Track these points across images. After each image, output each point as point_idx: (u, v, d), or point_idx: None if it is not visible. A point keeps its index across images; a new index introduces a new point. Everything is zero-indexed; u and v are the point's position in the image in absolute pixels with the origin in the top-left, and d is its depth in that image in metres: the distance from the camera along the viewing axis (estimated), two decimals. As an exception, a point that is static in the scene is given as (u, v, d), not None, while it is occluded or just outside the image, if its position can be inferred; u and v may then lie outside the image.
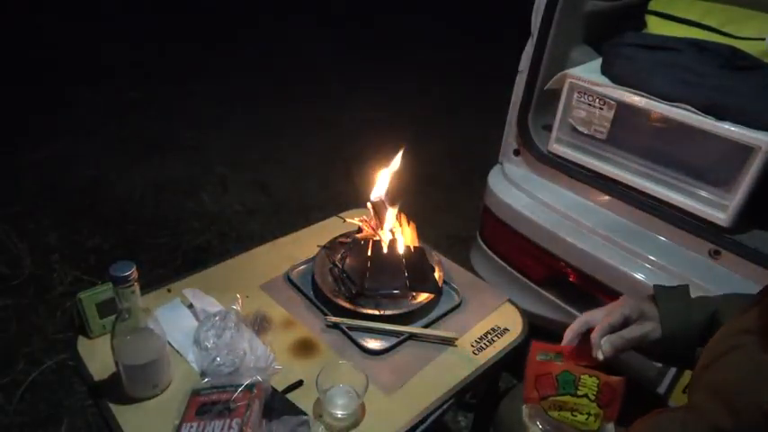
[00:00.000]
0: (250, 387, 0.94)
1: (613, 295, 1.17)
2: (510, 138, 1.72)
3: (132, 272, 0.87)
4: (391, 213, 1.26)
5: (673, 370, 1.33)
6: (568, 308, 1.56)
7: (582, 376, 0.80)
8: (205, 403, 0.92)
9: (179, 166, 3.14)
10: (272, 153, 3.34)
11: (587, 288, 1.50)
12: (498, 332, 1.18)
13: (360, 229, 1.32)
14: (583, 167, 1.55)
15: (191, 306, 1.18)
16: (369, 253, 1.23)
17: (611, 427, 0.79)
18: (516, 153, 1.71)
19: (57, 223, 2.57)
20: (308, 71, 4.57)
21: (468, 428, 1.76)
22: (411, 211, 1.33)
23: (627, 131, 1.45)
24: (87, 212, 2.68)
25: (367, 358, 1.10)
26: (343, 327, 1.14)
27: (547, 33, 1.51)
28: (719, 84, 1.27)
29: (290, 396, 1.00)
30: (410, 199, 1.34)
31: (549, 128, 1.61)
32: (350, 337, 1.13)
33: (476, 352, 1.12)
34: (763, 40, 1.38)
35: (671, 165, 1.39)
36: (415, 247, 1.29)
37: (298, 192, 2.99)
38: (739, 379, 0.64)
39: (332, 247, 1.34)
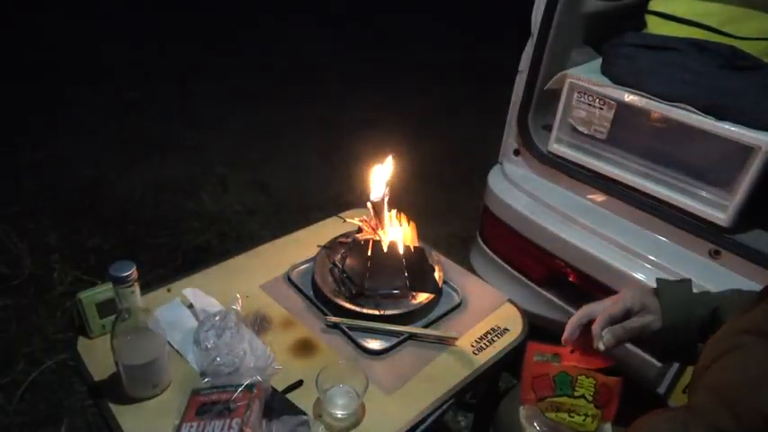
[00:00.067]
0: (250, 387, 0.94)
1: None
2: (510, 138, 1.72)
3: (132, 272, 0.87)
4: (391, 214, 1.26)
5: (673, 370, 1.33)
6: (568, 308, 1.56)
7: (579, 377, 0.80)
8: (205, 403, 0.92)
9: (179, 166, 3.14)
10: (272, 153, 3.34)
11: (587, 288, 1.50)
12: (498, 332, 1.18)
13: (360, 229, 1.32)
14: (583, 167, 1.55)
15: (191, 306, 1.18)
16: (369, 253, 1.23)
17: (608, 427, 0.79)
18: (516, 153, 1.71)
19: (57, 223, 2.57)
20: (308, 71, 4.57)
21: (468, 428, 1.76)
22: (411, 211, 1.33)
23: (627, 131, 1.45)
24: (87, 212, 2.68)
25: (367, 358, 1.10)
26: (344, 327, 1.14)
27: (547, 33, 1.51)
28: (719, 84, 1.27)
29: (290, 396, 1.00)
30: (410, 199, 1.35)
31: (549, 128, 1.61)
32: (350, 337, 1.13)
33: (476, 352, 1.12)
34: (764, 40, 1.38)
35: (671, 165, 1.39)
36: (415, 247, 1.29)
37: (298, 192, 2.99)
38: (740, 380, 0.64)
39: (332, 247, 1.34)
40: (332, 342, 1.13)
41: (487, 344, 1.15)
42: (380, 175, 1.24)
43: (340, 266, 1.27)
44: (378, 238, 1.27)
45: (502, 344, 1.15)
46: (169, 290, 1.23)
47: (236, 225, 2.68)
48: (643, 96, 1.36)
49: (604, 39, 1.52)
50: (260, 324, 1.15)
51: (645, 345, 0.90)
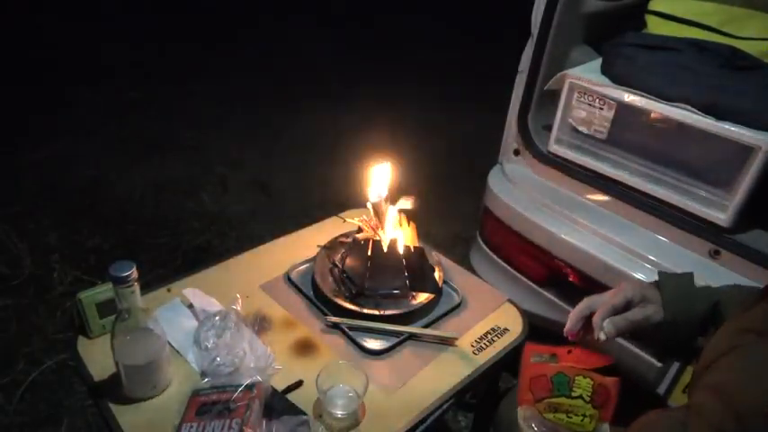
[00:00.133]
0: (250, 387, 0.94)
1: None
2: (510, 138, 1.72)
3: (132, 272, 0.87)
4: (391, 213, 1.26)
5: (673, 370, 1.33)
6: (568, 308, 1.54)
7: (576, 377, 0.80)
8: (205, 403, 0.92)
9: (179, 166, 3.14)
10: (272, 153, 3.34)
11: (587, 288, 1.50)
12: (498, 332, 1.18)
13: (360, 229, 1.32)
14: (583, 167, 1.55)
15: (191, 306, 1.18)
16: (369, 253, 1.23)
17: (606, 427, 0.79)
18: (516, 153, 1.71)
19: (57, 223, 2.57)
20: (308, 71, 4.57)
21: (468, 428, 1.76)
22: (411, 211, 1.33)
23: (627, 131, 1.45)
24: (87, 212, 2.68)
25: (367, 358, 1.10)
26: (344, 327, 1.14)
27: (547, 33, 1.51)
28: (719, 84, 1.27)
29: (290, 396, 1.00)
30: (410, 199, 1.34)
31: (549, 128, 1.61)
32: (350, 337, 1.13)
33: (476, 352, 1.12)
34: (764, 40, 1.38)
35: (671, 165, 1.39)
36: (415, 247, 1.29)
37: (298, 192, 2.99)
38: (741, 380, 0.64)
39: (332, 247, 1.34)
40: (332, 342, 1.13)
41: (487, 344, 1.15)
42: (380, 176, 1.24)
43: (340, 266, 1.27)
44: (378, 238, 1.27)
45: (502, 344, 1.15)
46: (169, 290, 1.23)
47: (236, 225, 2.68)
48: (643, 96, 1.36)
49: (604, 39, 1.52)
50: (260, 324, 1.15)
51: (645, 339, 0.90)
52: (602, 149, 1.51)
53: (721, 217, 1.30)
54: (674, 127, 1.34)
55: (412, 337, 1.14)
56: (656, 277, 0.90)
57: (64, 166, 3.05)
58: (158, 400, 0.98)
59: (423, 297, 1.21)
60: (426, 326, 1.18)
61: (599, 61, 1.51)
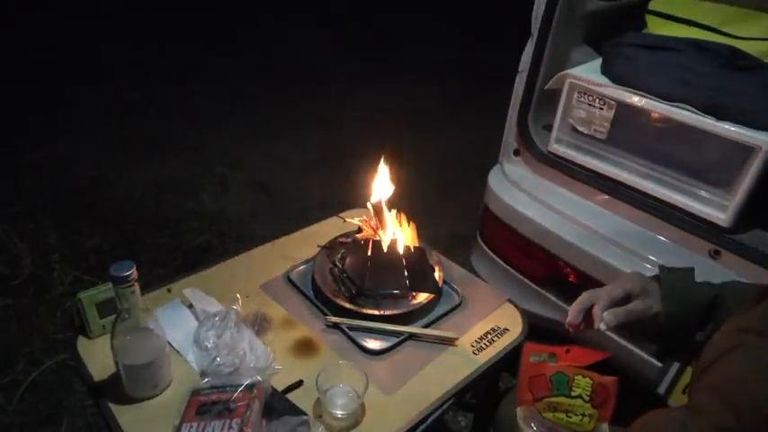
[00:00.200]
0: (250, 387, 0.94)
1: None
2: (510, 138, 1.71)
3: (132, 272, 0.87)
4: (391, 214, 1.26)
5: (673, 370, 1.33)
6: (568, 308, 1.55)
7: (576, 377, 0.80)
8: (205, 403, 0.92)
9: (179, 166, 3.14)
10: (272, 153, 3.34)
11: (587, 287, 1.50)
12: (498, 332, 1.18)
13: (360, 229, 1.32)
14: (583, 167, 1.55)
15: (191, 306, 1.18)
16: (369, 253, 1.23)
17: (605, 427, 0.79)
18: (516, 153, 1.71)
19: (57, 223, 2.57)
20: (308, 71, 4.57)
21: (468, 428, 1.76)
22: (411, 211, 1.33)
23: (627, 131, 1.45)
24: (87, 212, 2.68)
25: (367, 358, 1.10)
26: (344, 327, 1.14)
27: (547, 33, 1.51)
28: (719, 84, 1.27)
29: (290, 396, 1.00)
30: (410, 199, 1.35)
31: (549, 128, 1.61)
32: (350, 338, 1.13)
33: (476, 352, 1.12)
34: (764, 40, 1.38)
35: (671, 165, 1.39)
36: (415, 247, 1.29)
37: (298, 192, 2.99)
38: (741, 379, 0.64)
39: (332, 247, 1.34)
40: (332, 342, 1.13)
41: (487, 344, 1.15)
42: (380, 176, 1.24)
43: (340, 266, 1.27)
44: (378, 238, 1.27)
45: (502, 344, 1.15)
46: (169, 290, 1.23)
47: (236, 225, 2.68)
48: (643, 96, 1.36)
49: (604, 39, 1.52)
50: (260, 324, 1.15)
51: (644, 335, 0.90)
52: (602, 149, 1.51)
53: (721, 217, 1.30)
54: (675, 127, 1.34)
55: (412, 337, 1.14)
56: (658, 266, 0.91)
57: (64, 166, 3.05)
58: (158, 399, 0.98)
59: (423, 297, 1.21)
60: (426, 326, 1.18)
61: (599, 61, 1.51)
